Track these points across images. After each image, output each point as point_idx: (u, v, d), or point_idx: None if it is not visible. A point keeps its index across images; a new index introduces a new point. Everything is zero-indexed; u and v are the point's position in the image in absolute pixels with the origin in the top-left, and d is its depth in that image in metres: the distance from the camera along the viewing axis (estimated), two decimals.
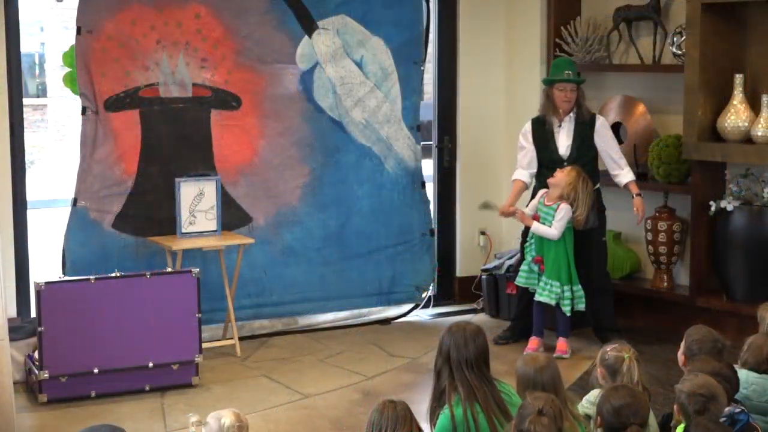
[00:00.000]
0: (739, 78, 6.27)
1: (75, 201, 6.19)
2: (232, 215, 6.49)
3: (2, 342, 4.77)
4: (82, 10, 6.11)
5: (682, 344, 4.16)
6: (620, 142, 6.72)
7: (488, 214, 7.57)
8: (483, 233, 7.62)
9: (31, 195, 6.58)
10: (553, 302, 6.12)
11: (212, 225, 6.25)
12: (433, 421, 3.82)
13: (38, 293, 5.33)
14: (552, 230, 6.06)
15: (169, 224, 6.24)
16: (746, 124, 6.23)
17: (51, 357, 5.35)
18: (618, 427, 3.37)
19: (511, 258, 7.09)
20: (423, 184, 7.09)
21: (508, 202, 6.36)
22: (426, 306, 7.33)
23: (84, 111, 6.18)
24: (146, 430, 5.05)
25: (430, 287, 7.30)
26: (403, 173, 6.98)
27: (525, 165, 6.39)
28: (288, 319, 6.81)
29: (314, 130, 6.73)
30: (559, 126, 6.29)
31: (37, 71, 19.63)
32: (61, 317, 5.35)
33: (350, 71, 6.80)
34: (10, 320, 5.36)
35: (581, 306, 6.17)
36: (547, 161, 6.31)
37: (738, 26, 6.40)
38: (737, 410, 3.67)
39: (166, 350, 5.58)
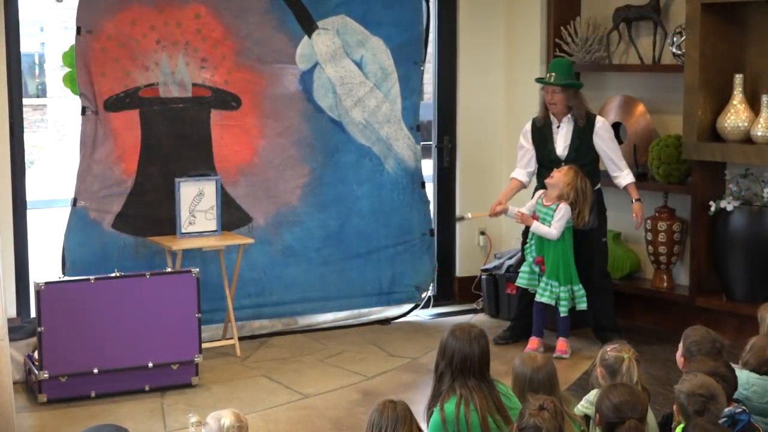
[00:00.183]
0: (738, 78, 6.27)
1: (75, 201, 6.19)
2: (231, 215, 6.49)
3: (2, 342, 4.77)
4: (82, 10, 6.11)
5: (681, 346, 4.15)
6: (620, 142, 6.72)
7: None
8: (483, 233, 7.62)
9: (31, 195, 6.58)
10: (553, 302, 6.12)
11: (212, 225, 6.25)
12: (429, 421, 3.83)
13: (38, 293, 5.32)
14: (552, 230, 6.06)
15: (169, 224, 6.24)
16: (746, 124, 6.23)
17: (51, 357, 5.34)
18: (617, 422, 3.38)
19: (511, 258, 7.09)
20: (423, 184, 7.09)
21: (497, 200, 6.35)
22: (426, 306, 7.33)
23: (84, 111, 6.18)
24: (146, 430, 5.04)
25: (430, 287, 7.31)
26: (402, 173, 6.99)
27: (524, 164, 6.40)
28: (288, 319, 6.81)
29: (314, 130, 6.73)
30: (558, 127, 6.30)
31: (37, 71, 19.63)
32: (60, 317, 5.35)
33: (350, 71, 6.80)
34: (10, 320, 5.36)
35: (583, 305, 6.17)
36: (546, 161, 6.32)
37: (738, 26, 6.40)
38: (738, 410, 3.67)
39: (166, 350, 5.58)
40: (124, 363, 5.49)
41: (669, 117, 6.83)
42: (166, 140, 6.37)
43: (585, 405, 3.90)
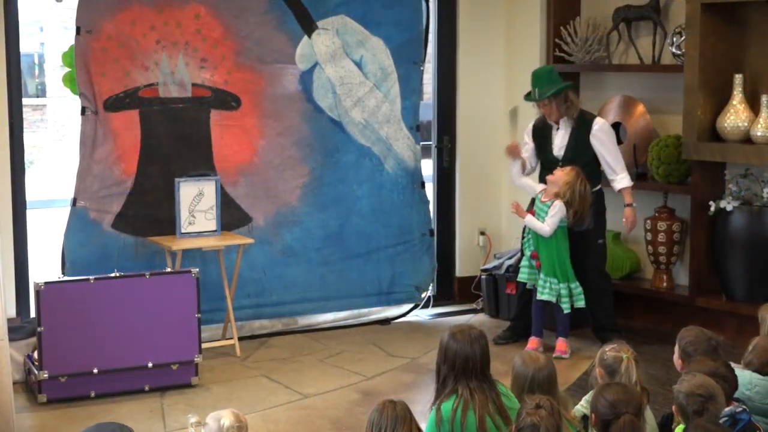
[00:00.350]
0: (738, 78, 6.27)
1: (75, 201, 6.19)
2: (231, 215, 6.49)
3: (2, 342, 4.76)
4: (82, 10, 6.11)
5: (676, 348, 4.15)
6: (620, 142, 6.72)
7: (487, 214, 7.59)
8: (482, 233, 7.62)
9: (30, 195, 6.58)
10: (554, 299, 6.13)
11: (212, 225, 6.25)
12: None
13: (38, 293, 5.32)
14: (544, 227, 6.07)
15: (168, 224, 6.24)
16: (746, 124, 6.23)
17: (50, 357, 5.34)
18: (612, 418, 3.39)
19: (510, 258, 7.09)
20: (423, 184, 7.09)
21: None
22: (425, 306, 7.33)
23: (83, 111, 6.18)
24: (146, 430, 5.04)
25: (430, 287, 7.31)
26: (402, 173, 6.99)
27: (528, 158, 6.45)
28: (288, 319, 6.81)
29: (314, 130, 6.73)
30: (557, 128, 6.30)
31: (37, 71, 19.65)
32: (60, 317, 5.35)
33: (350, 71, 6.80)
34: (9, 320, 5.36)
35: (581, 303, 6.17)
36: (545, 161, 6.36)
37: (737, 26, 6.40)
38: (738, 410, 3.67)
39: (166, 350, 5.58)
40: (123, 363, 5.49)
41: (669, 117, 6.83)
42: (165, 140, 6.37)
43: (584, 405, 3.90)
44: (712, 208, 6.35)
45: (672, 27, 6.75)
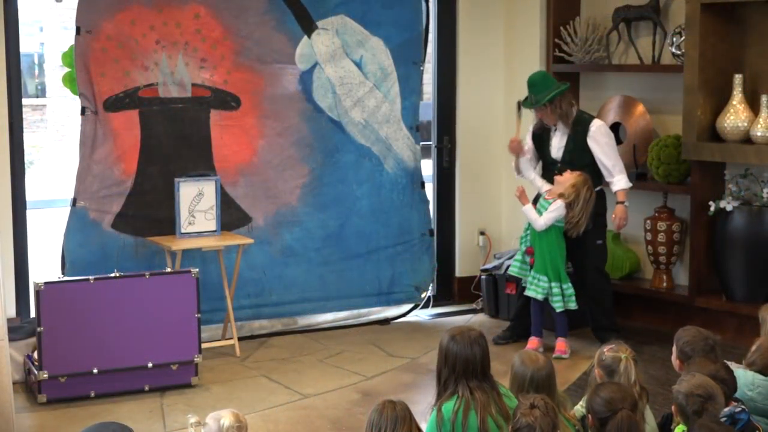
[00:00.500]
0: (738, 78, 6.27)
1: (74, 201, 6.19)
2: (231, 215, 6.49)
3: (2, 342, 4.76)
4: (82, 10, 6.11)
5: (674, 349, 4.15)
6: (620, 142, 6.72)
7: (487, 214, 7.59)
8: (482, 233, 7.63)
9: (30, 195, 6.58)
10: (540, 297, 6.14)
11: (212, 225, 6.26)
12: None
13: (38, 293, 5.32)
14: (539, 219, 6.10)
15: (168, 224, 6.25)
16: (745, 124, 6.23)
17: (50, 357, 5.34)
18: (609, 416, 3.39)
19: (510, 258, 7.08)
20: (422, 184, 7.09)
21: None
22: (425, 306, 7.33)
23: (83, 111, 6.18)
24: (146, 430, 5.04)
25: (430, 287, 7.31)
26: (402, 173, 6.99)
27: (530, 157, 6.48)
28: (287, 319, 6.82)
29: (313, 130, 6.73)
30: (556, 130, 6.31)
31: (37, 71, 19.65)
32: (60, 317, 5.35)
33: (349, 71, 6.80)
34: (9, 320, 5.37)
35: (572, 305, 6.18)
36: (545, 163, 6.39)
37: (737, 26, 6.40)
38: (737, 409, 3.67)
39: (166, 350, 5.58)
40: (123, 363, 5.49)
41: (668, 117, 6.83)
42: (165, 140, 6.37)
43: (584, 405, 3.90)
44: (712, 208, 6.35)
45: (672, 27, 6.75)
